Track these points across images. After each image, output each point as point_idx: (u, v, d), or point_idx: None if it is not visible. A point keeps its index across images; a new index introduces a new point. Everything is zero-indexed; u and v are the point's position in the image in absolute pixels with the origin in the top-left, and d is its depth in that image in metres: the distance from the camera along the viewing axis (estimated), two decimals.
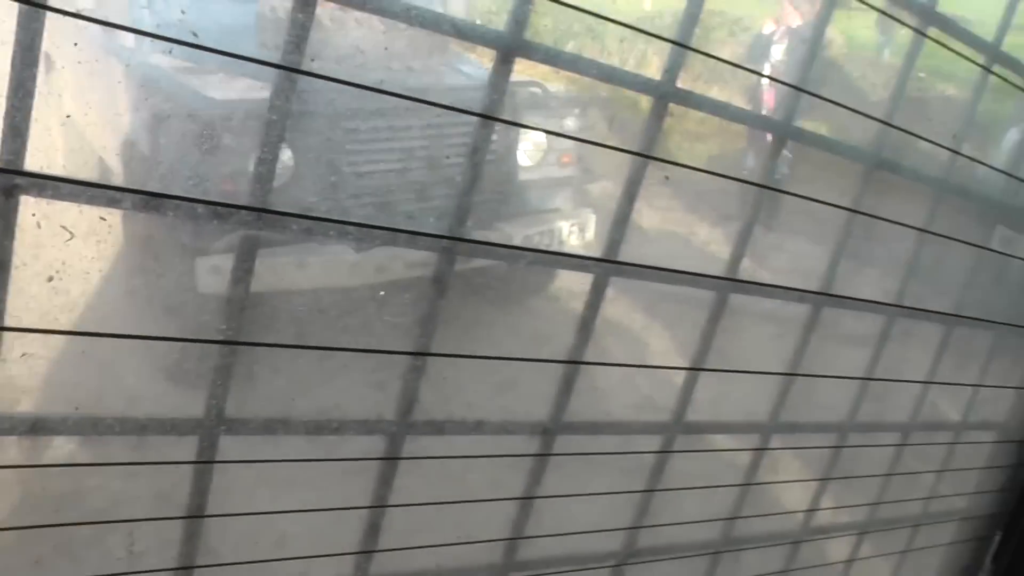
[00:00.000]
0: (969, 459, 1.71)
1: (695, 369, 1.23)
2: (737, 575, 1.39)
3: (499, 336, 1.34)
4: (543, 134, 1.79)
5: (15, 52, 0.70)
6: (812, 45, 1.17)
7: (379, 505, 1.02)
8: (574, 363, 1.11)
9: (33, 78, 0.71)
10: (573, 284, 1.19)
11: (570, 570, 1.23)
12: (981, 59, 1.37)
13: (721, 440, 1.35)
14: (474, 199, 1.21)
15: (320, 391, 1.01)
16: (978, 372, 1.65)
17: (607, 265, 1.09)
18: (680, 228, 1.45)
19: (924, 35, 1.25)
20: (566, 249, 1.36)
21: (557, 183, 1.89)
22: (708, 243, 1.39)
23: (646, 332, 1.38)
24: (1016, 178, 1.51)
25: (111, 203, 0.76)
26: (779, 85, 1.21)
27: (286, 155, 1.25)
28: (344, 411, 1.00)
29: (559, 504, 1.16)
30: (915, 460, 1.58)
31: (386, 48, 1.02)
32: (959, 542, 1.78)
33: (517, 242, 1.70)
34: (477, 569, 1.16)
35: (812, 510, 1.46)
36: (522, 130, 1.76)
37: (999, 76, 1.38)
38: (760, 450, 1.34)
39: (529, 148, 1.87)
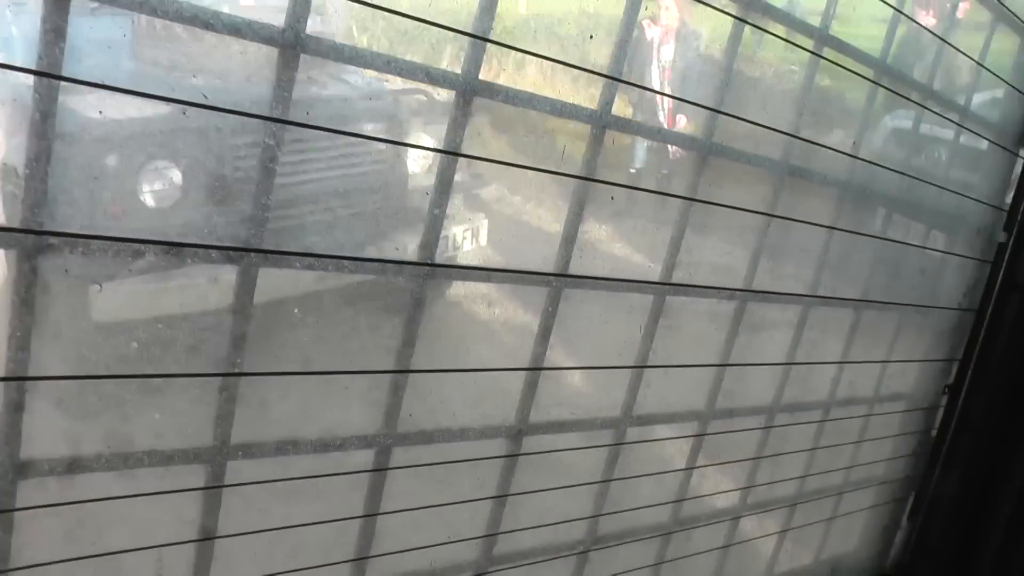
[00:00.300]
0: (884, 429, 1.89)
1: (640, 367, 1.35)
2: (688, 550, 1.52)
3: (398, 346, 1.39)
4: (432, 142, 1.78)
5: None
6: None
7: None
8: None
9: None
10: (472, 289, 1.28)
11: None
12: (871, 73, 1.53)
13: (665, 430, 1.47)
14: (365, 209, 1.28)
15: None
16: (886, 350, 1.83)
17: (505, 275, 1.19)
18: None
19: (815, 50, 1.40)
20: (461, 255, 1.40)
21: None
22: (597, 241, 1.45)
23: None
24: (891, 169, 1.69)
25: None
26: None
27: (175, 175, 1.25)
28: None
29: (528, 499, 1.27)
30: (836, 434, 1.74)
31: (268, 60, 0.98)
32: (879, 505, 1.96)
33: (412, 249, 1.69)
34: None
35: (749, 487, 1.60)
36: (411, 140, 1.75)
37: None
38: (700, 436, 1.48)
39: (418, 155, 1.88)
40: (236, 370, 0.93)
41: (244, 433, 0.95)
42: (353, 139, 1.12)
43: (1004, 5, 1.77)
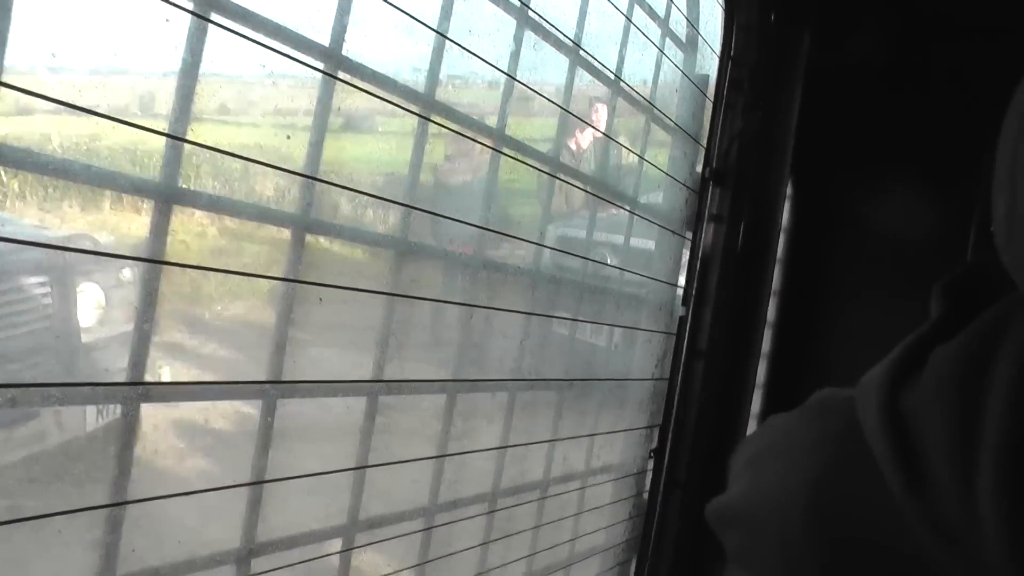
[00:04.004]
0: (600, 499, 2.00)
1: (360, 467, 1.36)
2: None
3: None
4: (101, 291, 1.65)
5: None
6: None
7: None
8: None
9: None
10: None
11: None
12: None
13: (400, 527, 1.47)
14: (33, 372, 1.21)
15: None
16: (593, 424, 1.96)
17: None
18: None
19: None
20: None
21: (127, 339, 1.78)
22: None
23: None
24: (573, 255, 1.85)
25: None
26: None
27: None
28: None
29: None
30: (557, 509, 1.82)
31: None
32: (605, 571, 2.07)
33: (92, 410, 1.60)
34: None
35: (481, 574, 1.63)
36: (79, 288, 1.68)
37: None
38: (429, 529, 1.49)
39: (89, 306, 1.70)
40: None
41: None
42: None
43: (653, 105, 2.02)
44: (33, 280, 1.17)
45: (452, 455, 1.52)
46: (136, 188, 1.04)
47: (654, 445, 2.14)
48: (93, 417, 1.23)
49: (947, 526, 0.56)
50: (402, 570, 1.44)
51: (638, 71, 1.98)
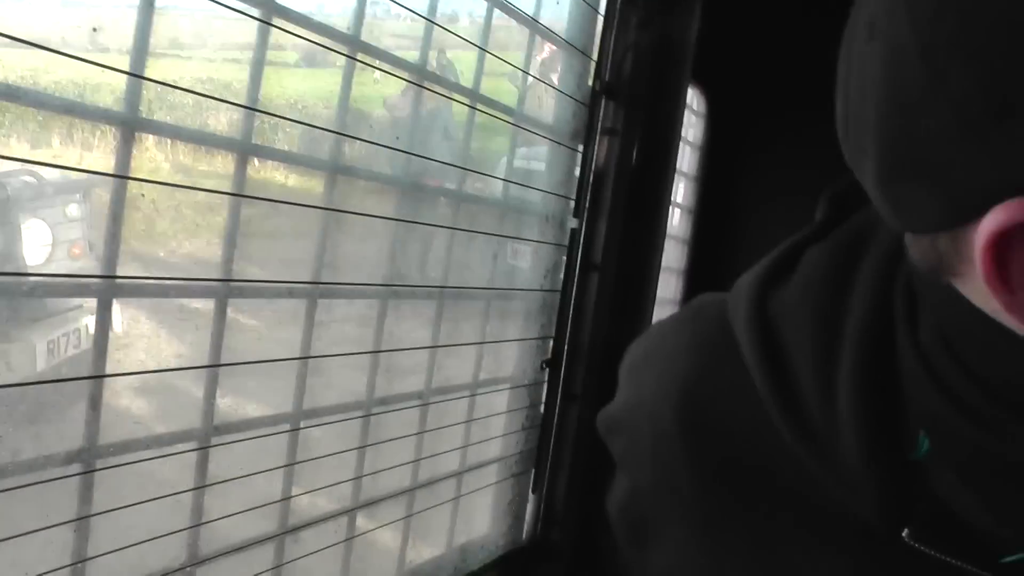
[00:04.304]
0: (491, 409, 2.02)
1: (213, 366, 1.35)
2: (296, 554, 1.52)
3: None
4: (47, 228, 1.72)
5: None
6: None
7: None
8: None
9: None
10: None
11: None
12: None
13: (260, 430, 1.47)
14: None
15: None
16: (478, 334, 1.96)
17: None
18: None
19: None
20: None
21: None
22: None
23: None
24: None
25: None
26: None
27: None
28: None
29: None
30: (439, 420, 1.83)
31: None
32: (501, 480, 2.09)
33: (40, 351, 1.61)
34: None
35: (358, 477, 1.64)
36: (22, 226, 1.65)
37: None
38: (295, 430, 1.49)
39: (34, 245, 1.74)
40: None
41: None
42: None
43: (537, 22, 2.00)
44: None
45: (314, 357, 1.52)
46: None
47: (547, 356, 2.15)
48: None
49: (808, 424, 0.57)
50: (259, 472, 1.44)
51: None
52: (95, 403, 1.19)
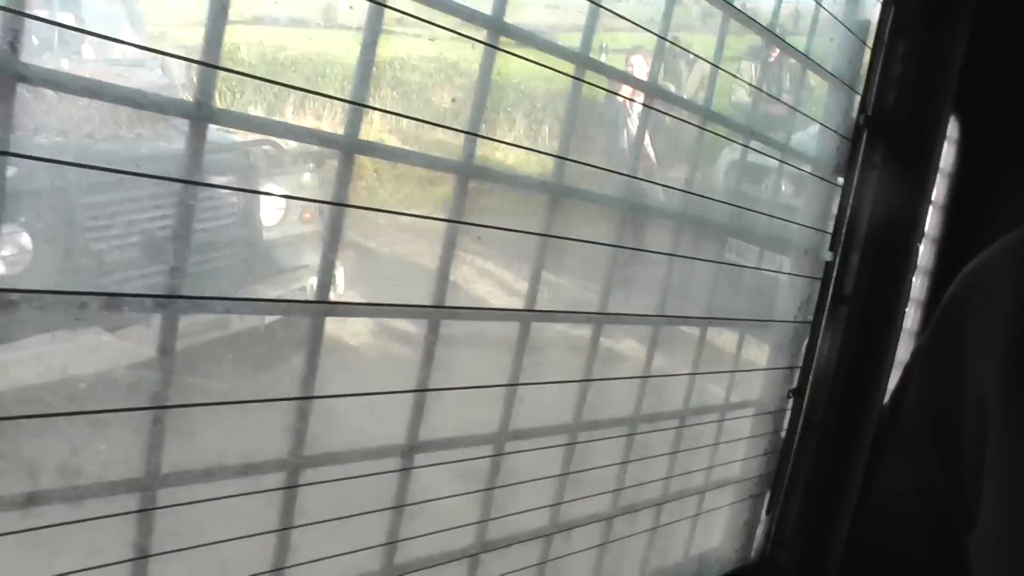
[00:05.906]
0: (737, 432, 2.11)
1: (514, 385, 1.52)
2: (565, 550, 1.68)
3: None
4: (283, 193, 1.82)
5: None
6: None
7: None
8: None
9: None
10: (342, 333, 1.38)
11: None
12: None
13: (546, 440, 1.64)
14: (220, 264, 1.34)
15: None
16: (732, 362, 2.06)
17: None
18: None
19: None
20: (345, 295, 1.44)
21: (302, 240, 1.88)
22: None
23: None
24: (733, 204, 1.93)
25: None
26: None
27: (23, 239, 1.23)
28: None
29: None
30: (693, 440, 1.95)
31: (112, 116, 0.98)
32: (738, 501, 2.18)
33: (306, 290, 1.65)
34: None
35: (619, 489, 1.78)
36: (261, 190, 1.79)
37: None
38: (573, 444, 1.66)
39: (271, 207, 1.88)
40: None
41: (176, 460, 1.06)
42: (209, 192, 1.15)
43: (808, 57, 2.05)
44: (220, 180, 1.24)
45: (595, 380, 1.66)
46: None
47: (793, 386, 2.21)
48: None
49: None
50: (543, 477, 1.61)
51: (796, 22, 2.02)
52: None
